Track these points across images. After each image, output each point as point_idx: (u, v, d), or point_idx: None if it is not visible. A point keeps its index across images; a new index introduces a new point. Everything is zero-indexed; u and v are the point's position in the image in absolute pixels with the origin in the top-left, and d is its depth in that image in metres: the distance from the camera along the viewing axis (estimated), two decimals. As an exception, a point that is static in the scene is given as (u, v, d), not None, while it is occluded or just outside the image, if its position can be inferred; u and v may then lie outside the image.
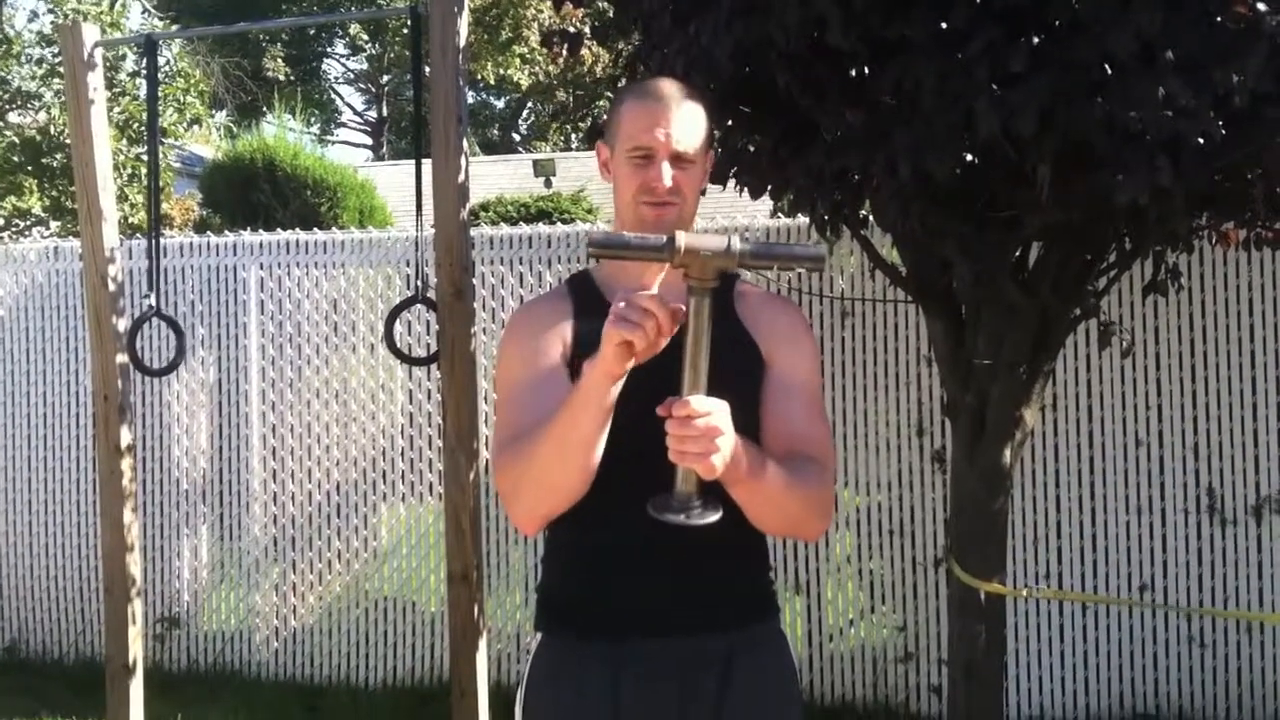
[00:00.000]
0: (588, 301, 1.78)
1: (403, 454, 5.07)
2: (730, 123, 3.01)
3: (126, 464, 3.63)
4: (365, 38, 27.25)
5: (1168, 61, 2.28)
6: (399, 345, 4.22)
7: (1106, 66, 2.36)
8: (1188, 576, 4.37)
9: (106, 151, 3.64)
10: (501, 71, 22.96)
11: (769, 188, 3.07)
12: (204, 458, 5.25)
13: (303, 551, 5.12)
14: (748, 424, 1.62)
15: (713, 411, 1.45)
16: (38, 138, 9.63)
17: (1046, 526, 4.46)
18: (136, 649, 3.65)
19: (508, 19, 22.07)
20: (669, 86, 1.78)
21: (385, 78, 28.55)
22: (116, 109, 9.40)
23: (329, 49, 29.21)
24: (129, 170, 9.43)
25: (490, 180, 13.90)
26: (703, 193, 1.82)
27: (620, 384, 1.52)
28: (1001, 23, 2.39)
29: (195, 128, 11.23)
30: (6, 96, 9.78)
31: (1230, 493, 4.34)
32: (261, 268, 5.21)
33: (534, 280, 4.96)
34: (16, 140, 9.65)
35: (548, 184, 14.02)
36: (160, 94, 8.74)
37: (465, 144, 3.14)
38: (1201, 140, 2.34)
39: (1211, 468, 4.35)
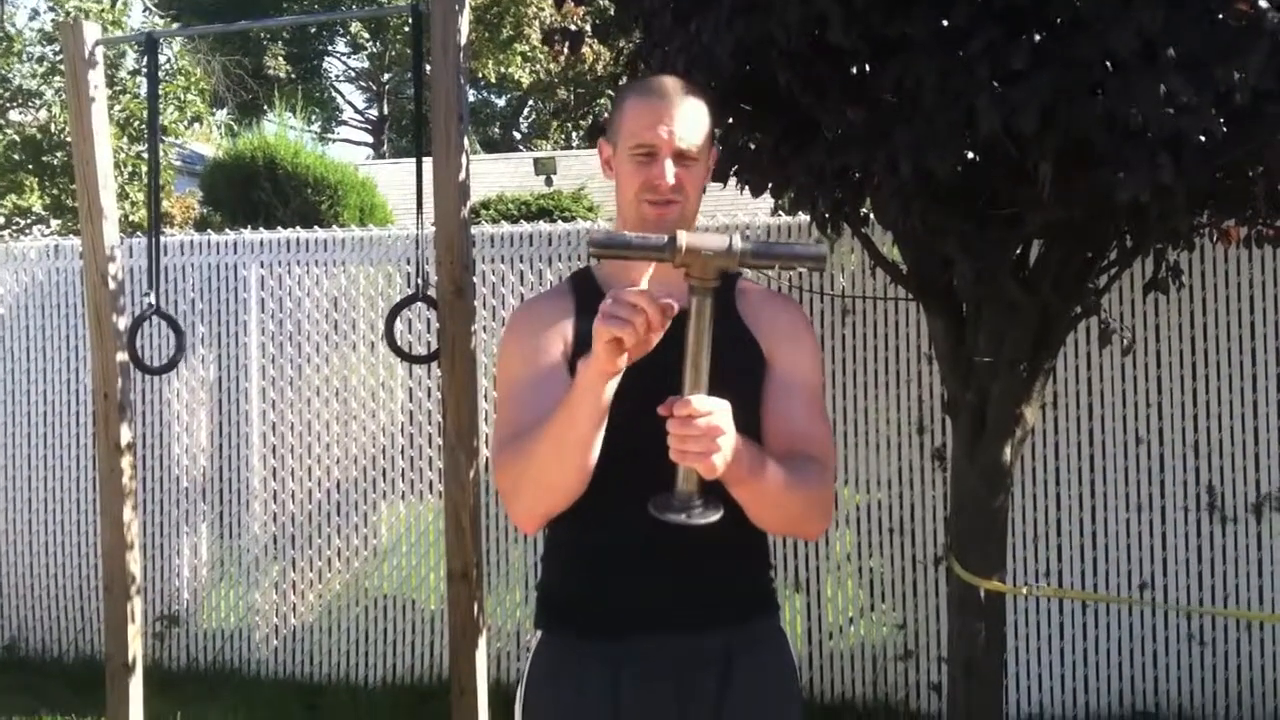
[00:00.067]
0: (589, 299, 1.77)
1: (403, 452, 5.07)
2: (731, 120, 3.00)
3: (126, 462, 3.63)
4: (366, 36, 27.24)
5: (1169, 59, 2.27)
6: (399, 343, 4.22)
7: (1108, 64, 2.36)
8: (1187, 574, 4.38)
9: (107, 149, 3.64)
10: (503, 69, 22.96)
11: (770, 186, 3.07)
12: (204, 456, 5.25)
13: (302, 549, 5.12)
14: (749, 422, 1.62)
15: (714, 411, 1.44)
16: (38, 136, 9.63)
17: (1046, 524, 4.46)
18: (136, 647, 3.65)
19: (509, 17, 22.07)
20: (672, 84, 1.78)
21: (386, 76, 28.54)
22: (117, 107, 9.40)
23: (330, 47, 29.20)
24: (129, 168, 9.43)
25: (491, 178, 13.90)
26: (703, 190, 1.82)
27: (616, 382, 1.51)
28: (1003, 20, 2.39)
29: (196, 126, 11.23)
30: (7, 94, 9.78)
31: (1230, 490, 4.34)
32: (262, 266, 5.20)
33: (534, 278, 4.96)
34: (17, 138, 9.65)
35: (548, 182, 14.04)
36: (161, 92, 8.75)
37: (466, 142, 3.14)
38: (1203, 138, 2.34)
39: (1211, 465, 4.35)
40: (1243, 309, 4.36)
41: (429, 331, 4.86)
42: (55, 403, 5.42)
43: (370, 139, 29.75)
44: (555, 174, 14.37)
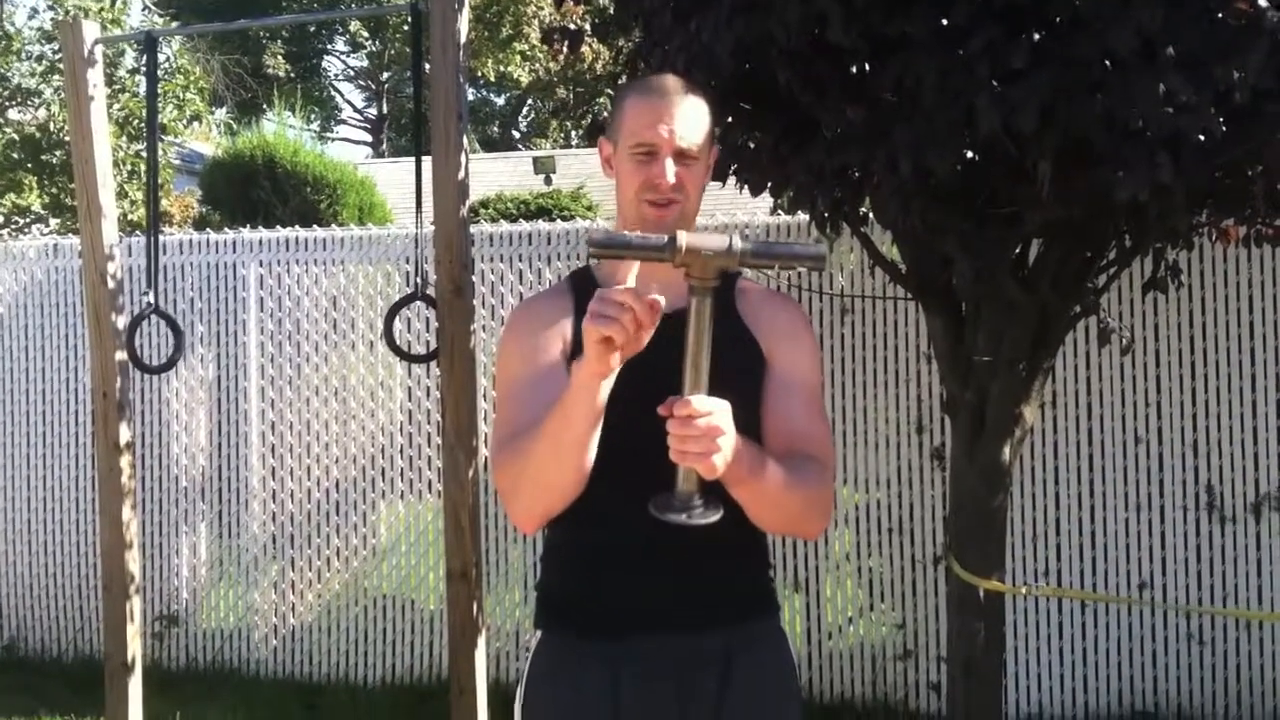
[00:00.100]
0: (588, 298, 1.77)
1: (402, 451, 5.07)
2: (731, 119, 3.00)
3: (125, 461, 3.63)
4: (365, 35, 27.24)
5: (1168, 58, 2.28)
6: (398, 342, 4.22)
7: (1107, 63, 2.36)
8: (1186, 574, 4.38)
9: (106, 148, 3.64)
10: (502, 68, 22.96)
11: (769, 185, 3.07)
12: (203, 455, 5.25)
13: (301, 549, 5.12)
14: (749, 422, 1.62)
15: (714, 411, 1.44)
16: (37, 134, 9.62)
17: (1046, 524, 4.46)
18: (135, 647, 3.65)
19: (508, 16, 22.07)
20: (673, 82, 1.78)
21: (385, 75, 28.52)
22: (116, 106, 9.38)
23: (329, 46, 29.18)
24: (128, 167, 9.42)
25: (490, 177, 13.90)
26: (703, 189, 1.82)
27: (611, 382, 1.51)
28: (1002, 20, 2.39)
29: (195, 125, 11.21)
30: (6, 93, 9.77)
31: (1229, 490, 4.34)
32: (261, 265, 5.20)
33: (534, 277, 4.96)
34: (16, 137, 9.64)
35: (548, 181, 14.02)
36: (160, 91, 8.72)
37: (465, 141, 3.13)
38: (1202, 137, 2.34)
39: (1210, 465, 4.36)
40: (1241, 308, 4.36)
41: (428, 331, 4.86)
42: (54, 402, 5.42)
43: (369, 138, 29.73)
44: (554, 173, 14.36)
